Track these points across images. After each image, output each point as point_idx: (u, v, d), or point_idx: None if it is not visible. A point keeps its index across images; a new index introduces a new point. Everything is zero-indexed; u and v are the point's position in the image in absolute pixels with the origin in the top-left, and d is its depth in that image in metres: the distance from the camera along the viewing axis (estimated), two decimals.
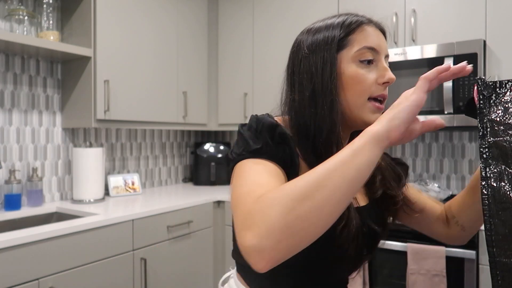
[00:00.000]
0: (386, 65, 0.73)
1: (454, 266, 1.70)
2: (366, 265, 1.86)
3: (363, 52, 0.71)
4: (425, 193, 1.99)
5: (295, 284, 0.75)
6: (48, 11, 2.01)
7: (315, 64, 0.72)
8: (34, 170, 2.00)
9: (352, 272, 0.85)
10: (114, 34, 2.11)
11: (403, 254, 1.78)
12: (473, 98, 0.55)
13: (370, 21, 0.75)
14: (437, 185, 2.14)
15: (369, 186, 0.79)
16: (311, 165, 0.63)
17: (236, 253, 0.79)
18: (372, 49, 0.72)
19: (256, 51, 2.66)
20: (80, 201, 2.10)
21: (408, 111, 0.57)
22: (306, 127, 0.72)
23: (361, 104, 0.71)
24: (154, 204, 2.11)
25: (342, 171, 0.52)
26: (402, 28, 2.13)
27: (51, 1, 2.02)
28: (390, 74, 0.71)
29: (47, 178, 2.14)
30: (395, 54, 2.05)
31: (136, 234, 1.87)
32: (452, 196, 2.25)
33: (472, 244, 1.68)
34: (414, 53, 2.01)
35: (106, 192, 2.38)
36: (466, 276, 1.68)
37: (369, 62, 0.72)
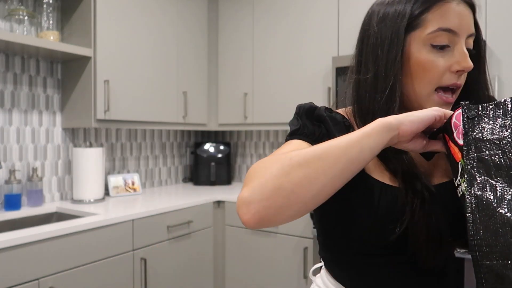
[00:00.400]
0: (464, 49, 0.63)
1: (454, 266, 1.69)
2: None
3: (438, 35, 0.62)
4: None
5: (379, 274, 0.68)
6: (48, 11, 2.01)
7: (382, 43, 0.66)
8: (34, 170, 2.00)
9: (446, 259, 0.73)
10: (114, 34, 2.11)
11: None
12: (448, 123, 0.55)
13: None
14: None
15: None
16: None
17: (323, 249, 0.76)
18: (449, 31, 0.62)
19: (256, 51, 2.66)
20: (80, 201, 2.10)
21: (425, 114, 0.55)
22: (365, 113, 0.67)
23: (427, 94, 0.65)
24: (154, 204, 2.11)
25: (346, 149, 0.53)
26: None
27: (51, 1, 2.02)
28: (466, 62, 0.62)
29: (47, 178, 2.14)
30: None
31: (136, 234, 1.87)
32: None
33: None
34: None
35: (106, 192, 2.38)
36: (466, 276, 1.68)
37: (443, 47, 0.63)
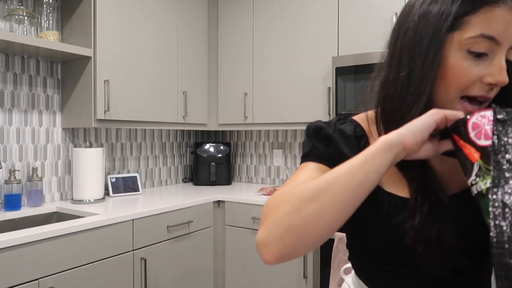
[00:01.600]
0: (503, 61, 0.58)
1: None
2: None
3: (478, 41, 0.57)
4: None
5: (402, 283, 0.67)
6: (48, 11, 2.01)
7: (420, 41, 0.60)
8: (34, 170, 2.00)
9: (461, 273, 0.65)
10: (114, 34, 2.11)
11: None
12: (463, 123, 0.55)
13: (505, 0, 0.57)
14: None
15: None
16: None
17: (350, 253, 0.78)
18: (491, 39, 0.57)
19: (256, 51, 2.66)
20: (80, 201, 2.10)
21: (425, 122, 0.54)
22: (390, 115, 0.64)
23: (450, 100, 0.60)
24: (154, 204, 2.11)
25: (350, 177, 0.53)
26: None
27: (51, 1, 2.02)
28: (502, 76, 0.57)
29: (47, 178, 2.14)
30: None
31: (136, 234, 1.87)
32: None
33: None
34: None
35: (106, 192, 2.38)
36: None
37: (480, 55, 0.58)
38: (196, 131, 3.16)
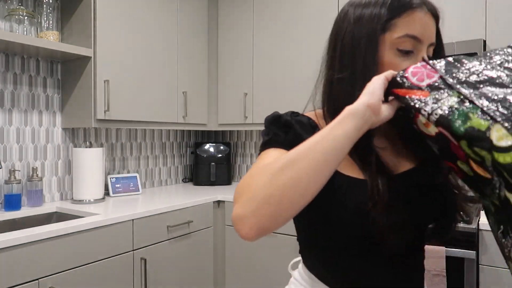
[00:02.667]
0: (425, 56, 0.66)
1: (454, 266, 1.70)
2: None
3: (404, 40, 0.67)
4: None
5: (357, 267, 0.72)
6: (48, 11, 2.01)
7: (358, 42, 0.69)
8: (34, 170, 2.00)
9: (414, 244, 0.74)
10: (114, 34, 2.11)
11: None
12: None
13: (422, 4, 0.68)
14: None
15: (415, 146, 0.74)
16: None
17: (302, 247, 0.81)
18: (414, 38, 0.67)
19: (256, 51, 2.66)
20: (80, 201, 2.10)
21: (378, 83, 0.60)
22: (341, 108, 0.69)
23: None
24: (154, 204, 2.11)
25: (322, 143, 0.55)
26: None
27: (51, 1, 2.02)
28: None
29: (47, 178, 2.14)
30: None
31: (136, 234, 1.87)
32: None
33: (472, 244, 1.68)
34: None
35: (106, 192, 2.38)
36: (466, 276, 1.68)
37: (408, 52, 0.67)
38: (196, 131, 3.16)
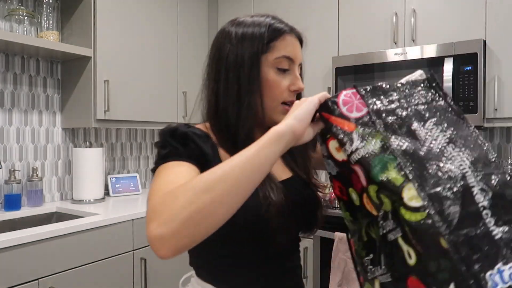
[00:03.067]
0: (297, 73, 0.80)
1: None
2: None
3: (282, 60, 0.77)
4: None
5: (249, 273, 0.77)
6: (48, 11, 2.01)
7: (242, 61, 0.75)
8: (34, 170, 2.00)
9: (295, 242, 0.85)
10: (114, 34, 2.11)
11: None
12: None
13: (291, 30, 0.80)
14: None
15: (289, 159, 0.84)
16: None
17: (194, 257, 0.82)
18: (289, 59, 0.78)
19: None
20: (80, 201, 2.10)
21: (308, 108, 0.62)
22: (227, 126, 0.76)
23: (275, 106, 0.77)
24: None
25: (243, 165, 0.56)
26: (402, 28, 2.13)
27: (51, 1, 2.02)
28: (300, 84, 0.80)
29: (47, 178, 2.14)
30: (395, 54, 2.05)
31: (136, 234, 1.87)
32: None
33: None
34: (414, 53, 2.01)
35: (106, 192, 2.38)
36: None
37: (285, 71, 0.78)
38: None
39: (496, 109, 1.90)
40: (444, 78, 1.91)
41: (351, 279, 1.87)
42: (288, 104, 0.78)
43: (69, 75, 2.15)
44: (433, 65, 1.96)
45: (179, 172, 0.65)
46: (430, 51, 1.97)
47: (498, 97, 1.89)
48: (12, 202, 1.90)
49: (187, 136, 0.72)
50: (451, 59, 1.91)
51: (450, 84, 1.90)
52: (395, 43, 2.15)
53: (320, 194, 0.85)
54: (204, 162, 0.69)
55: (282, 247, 0.77)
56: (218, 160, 0.72)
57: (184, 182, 0.58)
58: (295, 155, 0.84)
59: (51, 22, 2.02)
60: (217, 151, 0.75)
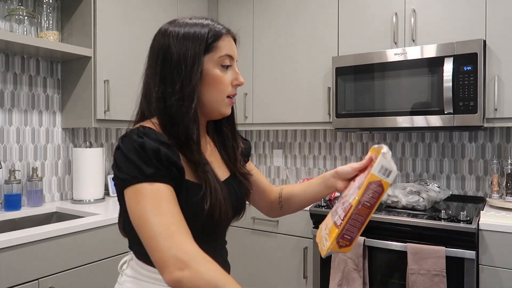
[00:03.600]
0: (237, 69, 0.90)
1: (454, 266, 1.70)
2: (366, 265, 1.86)
3: (225, 58, 0.86)
4: (425, 192, 1.99)
5: None
6: (48, 11, 2.01)
7: (185, 61, 0.82)
8: (34, 170, 2.00)
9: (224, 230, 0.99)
10: (114, 34, 2.11)
11: (403, 254, 1.78)
12: None
13: (228, 31, 0.89)
14: (437, 185, 2.14)
15: (231, 160, 0.96)
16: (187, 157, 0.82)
17: (136, 242, 0.84)
18: (230, 57, 0.87)
19: (256, 51, 2.66)
20: (80, 201, 2.10)
21: None
22: (172, 120, 0.82)
23: (221, 100, 0.87)
24: None
25: None
26: (402, 28, 2.14)
27: (51, 1, 2.02)
28: (241, 78, 0.90)
29: (47, 178, 2.14)
30: (395, 54, 2.05)
31: None
32: (452, 196, 2.25)
33: (472, 244, 1.68)
34: (414, 53, 2.01)
35: (106, 192, 2.38)
36: (466, 276, 1.68)
37: (227, 67, 0.87)
38: None
39: (496, 109, 1.90)
40: (444, 78, 1.91)
41: (351, 279, 1.87)
42: (231, 97, 0.89)
43: (69, 75, 2.15)
44: (433, 65, 1.96)
45: (169, 204, 0.74)
46: (430, 51, 1.97)
47: (498, 97, 1.90)
48: (12, 202, 1.90)
49: (170, 158, 0.77)
50: (451, 59, 1.91)
51: (450, 84, 1.90)
52: (395, 43, 2.15)
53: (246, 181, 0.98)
54: (179, 181, 0.79)
55: (221, 236, 0.97)
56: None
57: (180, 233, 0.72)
58: (228, 150, 0.97)
59: (51, 22, 2.02)
60: (179, 156, 0.80)
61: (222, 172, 0.94)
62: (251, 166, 1.08)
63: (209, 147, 0.95)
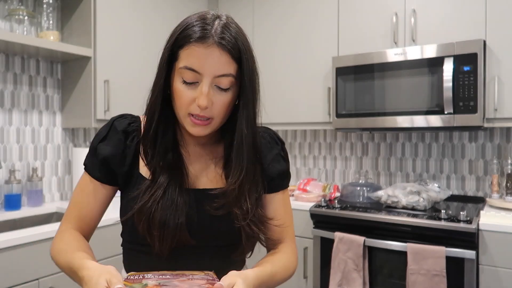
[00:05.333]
0: (204, 88, 0.71)
1: (454, 266, 1.70)
2: (366, 265, 1.86)
3: (185, 71, 0.72)
4: (425, 193, 1.99)
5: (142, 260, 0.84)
6: (48, 11, 2.01)
7: (159, 69, 0.79)
8: (34, 170, 2.00)
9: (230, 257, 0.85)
10: (114, 34, 2.11)
11: (403, 254, 1.78)
12: None
13: (207, 37, 0.71)
14: (437, 185, 2.14)
15: (226, 176, 0.81)
16: (148, 163, 0.79)
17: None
18: (192, 70, 0.71)
19: (256, 50, 2.64)
20: None
21: (96, 281, 0.62)
22: (150, 122, 0.80)
23: (182, 116, 0.76)
24: None
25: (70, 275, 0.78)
26: (402, 28, 2.14)
27: (51, 1, 2.02)
28: (200, 100, 0.71)
29: (47, 178, 2.14)
30: (395, 54, 2.05)
31: None
32: (452, 196, 2.25)
33: (472, 244, 1.68)
34: (414, 53, 2.01)
35: None
36: (466, 276, 1.68)
37: (191, 83, 0.72)
38: None
39: (496, 109, 1.90)
40: (444, 78, 1.91)
41: (351, 279, 1.87)
42: (194, 116, 0.74)
43: (69, 75, 2.15)
44: (433, 65, 1.96)
45: (83, 195, 0.86)
46: (430, 51, 1.97)
47: (498, 97, 1.90)
48: (12, 202, 1.90)
49: (94, 150, 0.86)
50: (451, 59, 1.91)
51: (450, 84, 1.90)
52: (395, 43, 2.15)
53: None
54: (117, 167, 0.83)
55: (160, 253, 0.82)
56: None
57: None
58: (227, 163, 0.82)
59: (51, 22, 2.02)
60: (125, 147, 0.82)
61: (201, 179, 0.82)
62: (273, 203, 0.87)
63: (209, 154, 0.84)
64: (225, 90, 0.74)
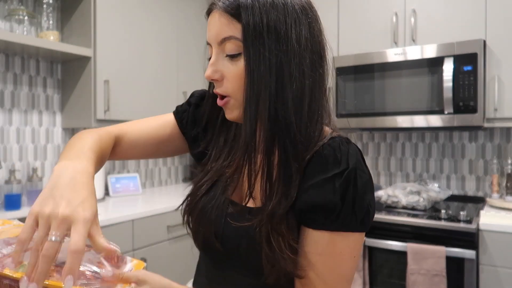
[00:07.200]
0: (212, 59, 0.66)
1: (454, 266, 1.70)
2: (366, 265, 1.86)
3: (208, 47, 0.69)
4: (425, 192, 1.99)
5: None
6: (48, 11, 2.01)
7: None
8: (34, 170, 2.00)
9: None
10: (114, 34, 2.11)
11: (403, 254, 1.78)
12: None
13: (209, 9, 0.65)
14: (437, 185, 2.14)
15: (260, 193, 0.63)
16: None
17: None
18: (208, 44, 0.68)
19: None
20: None
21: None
22: None
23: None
24: (154, 204, 2.11)
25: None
26: (402, 28, 2.13)
27: (51, 1, 2.02)
28: (208, 71, 0.66)
29: (47, 178, 2.14)
30: (395, 54, 2.05)
31: (136, 234, 1.87)
32: (452, 196, 2.25)
33: (472, 244, 1.68)
34: (414, 53, 2.01)
35: (106, 192, 2.38)
36: (466, 276, 1.68)
37: (209, 59, 0.67)
38: None
39: (496, 109, 1.90)
40: (444, 78, 1.91)
41: None
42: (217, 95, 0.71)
43: (69, 75, 2.15)
44: (433, 65, 1.96)
45: (151, 121, 0.88)
46: (430, 51, 1.97)
47: (498, 97, 1.90)
48: (12, 202, 1.90)
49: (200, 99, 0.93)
50: (451, 59, 1.91)
51: (450, 84, 1.90)
52: (395, 43, 2.15)
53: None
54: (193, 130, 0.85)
55: (205, 251, 0.81)
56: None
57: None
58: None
59: (51, 22, 2.02)
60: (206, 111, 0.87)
61: (241, 193, 0.69)
62: (304, 238, 0.61)
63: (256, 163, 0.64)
64: (235, 58, 0.63)
